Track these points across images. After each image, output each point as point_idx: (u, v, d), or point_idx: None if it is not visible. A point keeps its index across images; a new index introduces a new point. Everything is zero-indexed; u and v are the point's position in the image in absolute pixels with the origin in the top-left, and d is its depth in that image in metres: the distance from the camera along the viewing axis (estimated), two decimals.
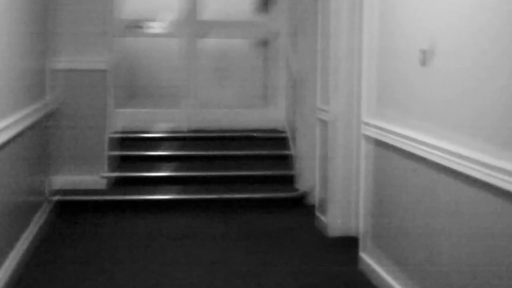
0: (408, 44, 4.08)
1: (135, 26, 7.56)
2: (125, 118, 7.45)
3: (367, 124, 4.80)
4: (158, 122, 7.51)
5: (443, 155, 3.60)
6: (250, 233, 5.89)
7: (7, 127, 4.70)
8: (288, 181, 6.93)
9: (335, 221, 5.75)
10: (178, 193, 6.68)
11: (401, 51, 4.21)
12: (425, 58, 3.82)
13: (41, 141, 6.22)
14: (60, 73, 6.72)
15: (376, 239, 4.75)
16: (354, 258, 5.09)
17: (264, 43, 7.74)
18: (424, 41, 3.83)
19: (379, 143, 4.62)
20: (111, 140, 7.06)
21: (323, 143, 5.98)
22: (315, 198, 6.26)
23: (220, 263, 5.13)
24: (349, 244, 5.48)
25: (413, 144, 3.98)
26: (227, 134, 7.39)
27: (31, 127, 5.62)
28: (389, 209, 4.49)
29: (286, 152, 7.20)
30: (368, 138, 4.83)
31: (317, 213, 6.12)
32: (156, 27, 7.60)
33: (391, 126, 4.36)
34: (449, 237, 3.61)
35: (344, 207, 5.74)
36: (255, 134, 7.38)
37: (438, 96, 3.70)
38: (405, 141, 4.10)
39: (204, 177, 6.92)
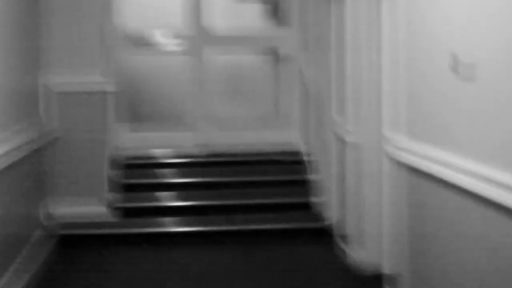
0: (440, 54, 3.52)
1: (138, 43, 7.04)
2: (129, 143, 6.92)
3: (394, 146, 4.23)
4: (165, 145, 6.97)
5: (493, 189, 2.91)
6: (271, 271, 5.29)
7: None
8: (308, 208, 6.35)
9: (365, 257, 5.11)
10: (189, 225, 6.16)
11: (433, 62, 3.64)
12: (463, 70, 3.25)
13: (34, 168, 5.73)
14: (55, 95, 6.22)
15: (412, 281, 4.15)
16: None
17: (276, 57, 7.19)
18: (461, 51, 3.26)
19: (410, 169, 4.02)
20: (113, 166, 6.54)
21: (341, 162, 5.41)
22: (341, 228, 5.66)
23: None
24: (382, 283, 4.84)
25: (454, 173, 3.33)
26: (240, 158, 6.83)
27: (21, 152, 5.14)
28: (427, 248, 3.89)
29: (304, 176, 6.61)
30: (394, 161, 4.25)
31: (343, 247, 5.50)
32: (161, 43, 7.08)
33: (425, 148, 3.74)
34: (503, 282, 2.98)
35: (375, 241, 5.06)
36: (270, 157, 6.81)
37: (484, 113, 3.08)
38: (444, 169, 3.44)
39: (216, 206, 6.36)
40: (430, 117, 3.61)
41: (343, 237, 5.42)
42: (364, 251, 5.09)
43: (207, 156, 6.82)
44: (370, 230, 5.06)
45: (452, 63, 3.28)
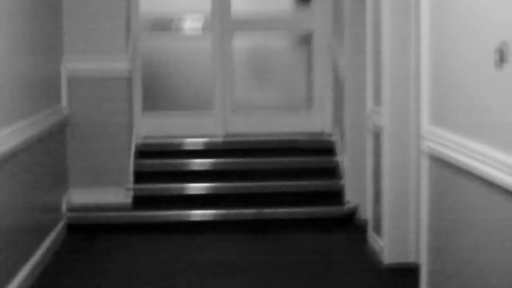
0: (482, 42, 3.21)
1: (164, 27, 6.75)
2: (151, 128, 6.66)
3: (425, 136, 3.95)
4: (189, 132, 6.68)
5: None
6: (293, 260, 5.08)
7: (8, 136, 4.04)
8: (337, 195, 6.08)
9: (390, 246, 4.88)
10: (212, 214, 5.92)
11: (476, 52, 3.33)
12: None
13: (55, 156, 5.53)
14: (75, 81, 5.98)
15: (437, 274, 3.89)
16: None
17: (307, 41, 6.86)
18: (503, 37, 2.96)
19: (439, 161, 3.77)
20: (136, 153, 6.30)
21: (376, 154, 5.13)
22: (367, 216, 5.42)
23: None
24: (408, 274, 4.65)
25: (487, 168, 3.11)
26: (268, 145, 6.52)
27: (41, 137, 4.94)
28: (452, 242, 3.63)
29: (333, 161, 6.34)
30: (426, 153, 3.97)
31: (369, 235, 5.27)
32: (187, 28, 6.78)
33: (458, 139, 3.49)
34: None
35: (402, 230, 4.88)
36: (299, 139, 6.52)
37: None
38: (476, 163, 3.23)
39: (240, 194, 6.10)
40: (472, 110, 3.31)
41: (374, 229, 5.16)
42: (388, 240, 4.89)
43: (233, 143, 6.54)
44: (395, 219, 4.87)
45: (500, 53, 2.98)
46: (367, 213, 5.44)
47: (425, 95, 3.99)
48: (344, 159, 6.13)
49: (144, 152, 6.40)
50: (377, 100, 5.04)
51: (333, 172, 6.27)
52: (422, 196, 4.08)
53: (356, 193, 5.93)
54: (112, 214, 5.86)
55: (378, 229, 5.08)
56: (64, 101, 5.88)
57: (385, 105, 4.83)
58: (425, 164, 4.02)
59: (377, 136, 5.07)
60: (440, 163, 3.80)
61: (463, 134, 3.47)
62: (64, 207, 5.75)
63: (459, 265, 3.60)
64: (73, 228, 5.71)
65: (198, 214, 5.90)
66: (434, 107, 3.89)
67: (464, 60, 3.44)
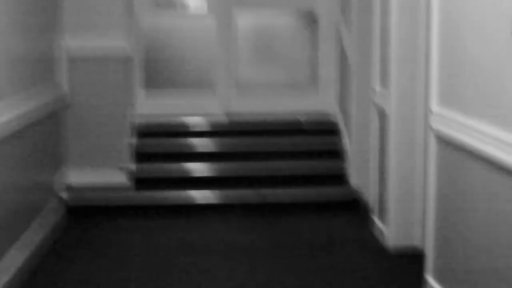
0: (497, 12, 3.06)
1: (164, 4, 6.60)
2: (153, 107, 6.53)
3: (434, 117, 3.81)
4: (189, 113, 6.54)
5: None
6: (295, 243, 4.97)
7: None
8: (341, 177, 5.96)
9: (395, 229, 4.76)
10: (212, 197, 5.78)
11: (487, 19, 3.19)
12: None
13: (49, 134, 5.40)
14: (74, 59, 5.84)
15: (443, 260, 3.77)
16: (418, 278, 4.13)
17: (312, 19, 6.70)
18: None
19: (448, 143, 3.64)
20: (134, 134, 6.17)
21: (381, 135, 5.00)
22: (371, 199, 5.29)
23: None
24: (413, 259, 4.55)
25: (499, 152, 2.98)
26: (271, 126, 6.38)
27: (38, 116, 4.82)
28: (458, 227, 3.50)
29: (338, 143, 6.21)
30: (434, 135, 3.83)
31: (374, 218, 5.15)
32: (188, 5, 6.63)
33: (468, 121, 3.35)
34: None
35: (407, 213, 4.76)
36: (303, 119, 6.38)
37: None
38: (488, 147, 3.09)
39: (243, 175, 5.98)
40: (484, 89, 3.17)
41: (378, 212, 5.03)
42: (393, 223, 4.77)
43: (235, 124, 6.41)
44: (401, 202, 4.75)
45: None
46: (371, 195, 5.32)
47: (434, 73, 3.84)
48: (348, 140, 6.00)
49: (146, 132, 6.27)
50: (384, 80, 4.91)
51: (337, 153, 6.14)
52: (429, 179, 3.95)
53: (360, 175, 5.80)
54: (113, 195, 5.74)
55: (382, 212, 4.96)
56: (62, 80, 5.75)
57: (392, 86, 4.69)
58: (433, 146, 3.89)
59: (382, 117, 4.94)
60: (449, 145, 3.67)
61: (474, 115, 3.32)
62: (62, 187, 5.64)
63: (467, 251, 3.48)
64: (71, 209, 5.60)
65: (200, 195, 5.77)
66: (443, 86, 3.75)
67: (477, 32, 3.29)
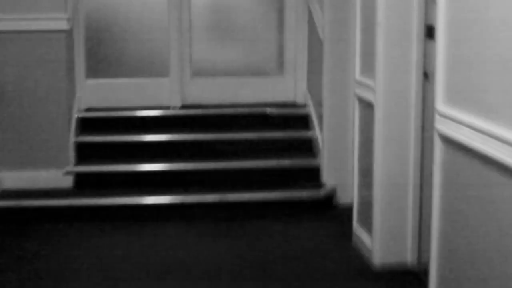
0: None
1: None
2: (95, 93, 5.72)
3: (439, 117, 3.12)
4: (136, 96, 5.76)
5: None
6: (263, 259, 4.22)
7: None
8: (313, 174, 5.25)
9: (383, 243, 4.06)
10: (163, 196, 5.01)
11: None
12: None
13: None
14: (3, 36, 5.01)
15: (450, 275, 3.10)
16: None
17: None
18: None
19: (450, 142, 3.00)
20: (79, 127, 5.38)
21: (364, 130, 4.29)
22: (351, 202, 4.58)
23: None
24: (405, 279, 3.86)
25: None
26: (231, 111, 5.66)
27: None
28: (467, 234, 2.85)
29: (308, 136, 5.50)
30: (440, 136, 3.15)
31: (355, 227, 4.45)
32: None
33: (479, 122, 2.71)
34: None
35: (397, 224, 4.05)
36: (268, 110, 5.63)
37: None
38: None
39: (201, 174, 5.23)
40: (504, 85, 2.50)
41: (361, 220, 4.34)
42: (380, 236, 4.04)
43: (191, 115, 5.64)
44: (389, 211, 4.02)
45: None
46: (352, 198, 4.61)
47: (440, 65, 3.13)
48: (321, 133, 5.29)
49: (87, 126, 5.47)
50: (367, 68, 4.18)
51: (308, 148, 5.44)
52: (434, 183, 3.25)
53: (335, 173, 5.13)
54: (49, 201, 4.94)
55: (366, 220, 4.26)
56: None
57: (378, 76, 3.96)
58: (438, 148, 3.19)
59: (366, 110, 4.22)
60: (455, 147, 3.00)
61: (486, 116, 2.66)
62: None
63: (476, 265, 2.84)
64: (2, 218, 4.80)
65: (152, 198, 5.01)
66: (451, 81, 3.05)
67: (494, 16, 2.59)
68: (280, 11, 5.89)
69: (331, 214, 4.96)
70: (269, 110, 5.61)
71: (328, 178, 5.16)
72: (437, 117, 3.17)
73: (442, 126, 3.11)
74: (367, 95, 4.14)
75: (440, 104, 3.13)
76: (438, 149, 3.19)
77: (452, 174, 3.11)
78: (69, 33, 5.22)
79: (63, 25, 5.07)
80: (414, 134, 3.96)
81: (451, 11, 3.02)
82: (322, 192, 5.08)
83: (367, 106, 4.20)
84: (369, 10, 4.09)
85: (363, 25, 4.26)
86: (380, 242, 4.05)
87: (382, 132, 3.97)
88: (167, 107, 5.72)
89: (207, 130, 5.48)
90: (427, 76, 3.83)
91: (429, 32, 3.78)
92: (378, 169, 4.03)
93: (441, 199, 3.22)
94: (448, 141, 3.09)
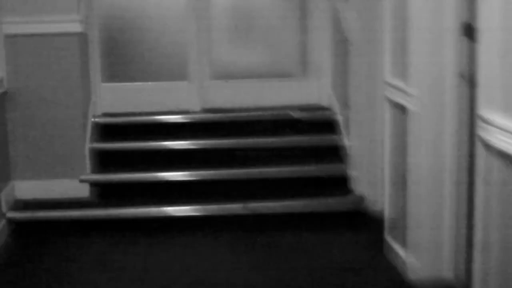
0: None
1: None
2: (111, 97, 5.49)
3: (483, 125, 2.86)
4: (157, 101, 5.52)
5: None
6: (291, 271, 3.97)
7: None
8: (341, 181, 4.99)
9: (421, 258, 3.78)
10: (185, 208, 4.76)
11: None
12: None
13: None
14: (17, 40, 4.79)
15: None
16: None
17: None
18: None
19: (497, 151, 2.74)
20: (94, 129, 5.17)
21: (398, 135, 4.03)
22: (385, 213, 4.31)
23: None
24: None
25: None
26: (253, 115, 5.41)
27: None
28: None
29: (335, 141, 5.23)
30: (487, 145, 2.89)
31: (389, 239, 4.18)
32: None
33: None
34: None
35: (436, 237, 3.76)
36: (292, 114, 5.37)
37: None
38: None
39: (223, 180, 4.99)
40: None
41: (395, 232, 4.08)
42: (417, 250, 3.76)
43: (213, 120, 5.39)
44: (427, 222, 3.74)
45: None
46: (383, 207, 4.36)
47: (485, 69, 2.87)
48: (348, 138, 5.04)
49: (104, 132, 5.25)
50: (398, 69, 3.92)
51: (334, 153, 5.17)
52: (477, 194, 2.99)
53: (364, 180, 4.87)
54: (66, 212, 4.72)
55: (399, 231, 4.00)
56: (1, 71, 4.71)
57: (411, 79, 3.69)
58: (481, 158, 2.94)
59: (399, 115, 3.96)
60: (502, 156, 2.74)
61: None
62: (4, 203, 4.62)
63: None
64: (17, 231, 4.59)
65: (172, 209, 4.77)
66: (500, 86, 2.79)
67: None
68: (303, 10, 5.62)
69: (361, 224, 4.70)
70: (293, 113, 5.35)
71: (356, 185, 4.90)
72: (480, 124, 2.91)
73: (485, 133, 2.85)
74: (399, 98, 3.88)
75: (485, 110, 2.87)
76: (482, 158, 2.94)
77: (496, 185, 2.85)
78: (83, 35, 4.99)
79: (76, 27, 4.84)
80: (450, 139, 3.69)
81: (501, 9, 2.75)
82: (350, 201, 4.82)
83: (399, 110, 3.94)
84: (400, 7, 3.83)
85: (393, 23, 4.00)
86: (416, 255, 3.79)
87: (417, 138, 3.70)
88: (186, 111, 5.48)
89: (229, 135, 5.24)
90: (464, 78, 3.56)
91: (467, 31, 3.51)
92: (412, 178, 3.77)
93: (484, 211, 2.97)
94: (494, 150, 2.83)
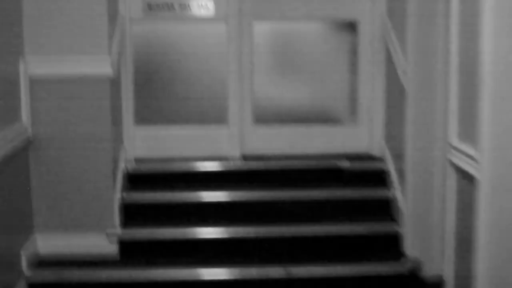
0: None
1: (159, 6, 5.14)
2: (144, 142, 5.10)
3: None
4: (191, 148, 5.12)
5: None
6: None
7: None
8: (392, 242, 4.53)
9: None
10: (223, 268, 4.32)
11: None
12: None
13: (14, 186, 4.04)
14: (42, 82, 4.42)
15: None
16: None
17: (351, 27, 5.23)
18: None
19: None
20: (125, 177, 4.78)
21: (462, 201, 3.56)
22: (439, 274, 3.84)
23: None
24: None
25: None
26: (296, 164, 4.96)
27: None
28: None
29: (386, 196, 4.77)
30: None
31: None
32: (190, 6, 5.15)
33: None
34: None
35: None
36: (339, 164, 4.92)
37: None
38: None
39: (262, 239, 4.55)
40: None
41: None
42: None
43: (253, 169, 4.96)
44: None
45: None
46: (440, 271, 3.88)
47: None
48: (402, 193, 4.57)
49: (135, 181, 4.86)
50: (467, 132, 3.45)
51: (386, 210, 4.72)
52: None
53: (419, 241, 4.41)
54: (91, 271, 4.31)
55: None
56: (24, 117, 4.34)
57: (483, 148, 3.22)
58: None
59: (465, 182, 3.48)
60: None
61: None
62: (25, 261, 4.23)
63: None
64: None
65: (206, 271, 4.34)
66: None
67: None
68: (353, 52, 5.18)
69: None
70: (340, 163, 4.90)
71: (411, 247, 4.43)
72: None
73: None
74: (467, 166, 3.40)
75: None
76: None
77: None
78: (114, 76, 4.60)
79: (107, 68, 4.45)
80: None
81: None
82: (405, 265, 4.34)
83: (465, 177, 3.47)
84: (469, 54, 3.36)
85: (460, 75, 3.54)
86: None
87: (488, 215, 3.22)
88: (225, 158, 5.07)
89: (270, 186, 4.80)
90: None
91: None
92: (482, 256, 3.29)
93: None
94: None
